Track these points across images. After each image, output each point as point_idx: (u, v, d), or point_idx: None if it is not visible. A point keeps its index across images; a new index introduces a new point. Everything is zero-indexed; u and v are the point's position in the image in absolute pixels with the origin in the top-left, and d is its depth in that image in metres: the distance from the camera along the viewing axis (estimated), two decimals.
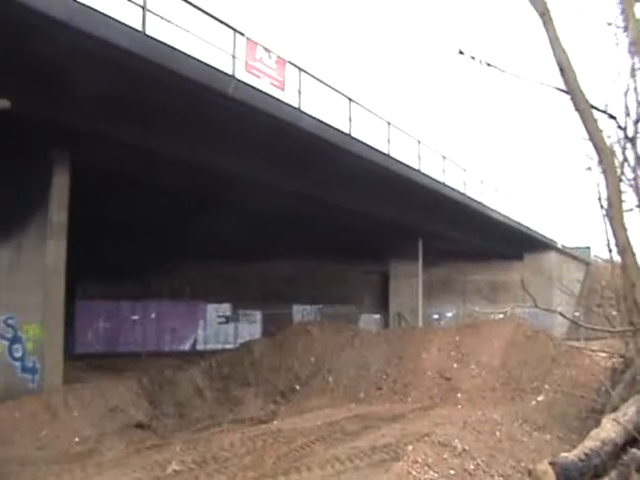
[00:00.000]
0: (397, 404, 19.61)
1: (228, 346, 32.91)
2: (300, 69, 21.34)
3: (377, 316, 40.75)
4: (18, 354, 17.81)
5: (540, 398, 18.54)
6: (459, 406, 18.86)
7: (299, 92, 21.14)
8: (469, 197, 35.11)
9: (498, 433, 13.15)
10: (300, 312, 39.01)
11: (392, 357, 22.17)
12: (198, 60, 16.87)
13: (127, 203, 25.27)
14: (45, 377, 17.44)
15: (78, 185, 18.03)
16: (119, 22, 14.76)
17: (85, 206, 19.28)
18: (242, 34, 18.81)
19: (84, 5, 13.88)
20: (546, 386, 19.45)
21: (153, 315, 33.58)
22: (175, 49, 16.17)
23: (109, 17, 14.48)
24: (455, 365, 21.21)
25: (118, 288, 33.20)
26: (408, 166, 28.09)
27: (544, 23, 12.50)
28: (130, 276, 32.59)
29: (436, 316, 42.80)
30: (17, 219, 17.77)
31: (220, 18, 17.97)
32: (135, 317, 33.04)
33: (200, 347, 34.62)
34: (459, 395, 19.84)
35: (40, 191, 17.48)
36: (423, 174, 29.56)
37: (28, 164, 17.62)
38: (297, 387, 22.54)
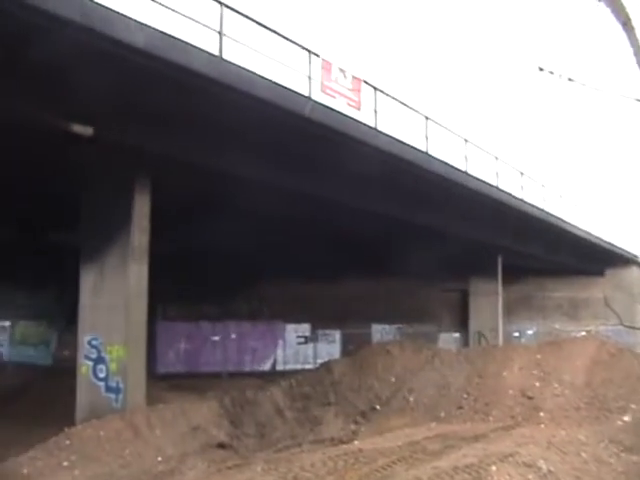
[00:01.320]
0: (478, 423, 19.30)
1: (308, 366, 32.89)
2: (376, 88, 21.37)
3: (457, 335, 40.31)
4: (102, 374, 18.12)
5: (626, 418, 18.05)
6: (542, 426, 18.45)
7: (375, 111, 21.16)
8: (549, 213, 34.60)
9: (584, 454, 12.85)
10: (379, 331, 38.81)
11: (473, 376, 21.87)
12: (274, 82, 17.03)
13: (206, 226, 25.54)
14: (128, 397, 17.68)
15: (159, 208, 18.33)
16: (196, 47, 15.02)
17: (165, 229, 19.56)
18: (317, 55, 18.94)
19: (163, 33, 14.16)
20: (632, 405, 18.95)
21: (233, 336, 33.81)
22: (252, 72, 16.35)
23: (186, 43, 14.74)
24: (537, 384, 20.82)
25: (198, 309, 33.56)
26: (487, 183, 27.85)
27: (627, 32, 12.26)
28: (210, 297, 32.91)
29: (516, 334, 42.09)
30: (100, 243, 18.15)
31: (295, 40, 18.14)
32: (215, 338, 33.31)
33: (280, 367, 34.64)
34: (542, 414, 19.44)
35: (122, 215, 17.82)
36: (502, 191, 29.27)
37: (110, 188, 18.01)
38: (377, 407, 22.40)
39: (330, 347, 36.44)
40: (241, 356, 34.01)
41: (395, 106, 22.40)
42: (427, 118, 24.09)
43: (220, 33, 15.83)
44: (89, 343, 18.29)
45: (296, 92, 17.87)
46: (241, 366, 33.53)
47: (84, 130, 14.96)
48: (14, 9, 11.79)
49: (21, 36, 12.50)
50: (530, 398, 20.26)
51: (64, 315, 34.71)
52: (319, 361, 31.98)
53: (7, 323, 39.31)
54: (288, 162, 20.08)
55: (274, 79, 17.06)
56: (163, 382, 25.92)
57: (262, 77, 16.64)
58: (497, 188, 28.87)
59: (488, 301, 36.89)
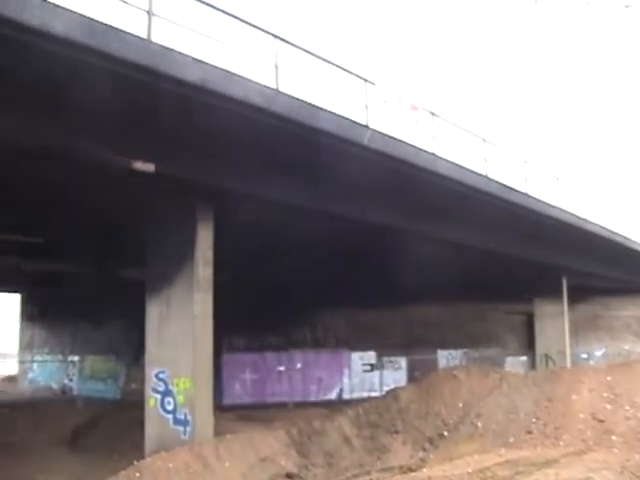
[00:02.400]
0: (549, 448, 18.94)
1: (374, 394, 32.78)
2: (433, 114, 21.37)
3: (523, 358, 39.76)
4: (170, 407, 18.25)
5: None
6: (615, 450, 18.05)
7: (433, 137, 21.16)
8: (612, 231, 34.07)
9: None
10: (445, 357, 38.54)
11: (541, 400, 21.49)
12: (332, 112, 17.14)
13: (270, 256, 25.76)
14: (196, 429, 17.77)
15: (222, 240, 18.52)
16: (253, 81, 15.21)
17: (228, 260, 19.74)
18: (373, 83, 19.04)
19: (221, 68, 14.39)
20: None
21: (299, 365, 33.89)
22: (309, 103, 16.49)
23: (243, 77, 14.95)
24: (608, 406, 20.35)
25: (263, 339, 33.75)
26: (548, 204, 27.56)
27: None
28: (274, 327, 33.09)
29: (585, 355, 41.31)
30: (165, 276, 18.36)
31: (352, 70, 18.27)
32: (281, 368, 33.43)
33: (346, 396, 34.58)
34: (614, 438, 18.98)
35: (186, 248, 17.99)
36: (565, 211, 28.94)
37: (173, 222, 18.24)
38: (445, 433, 22.16)
39: (396, 374, 36.28)
40: (307, 386, 34.05)
41: (451, 129, 22.36)
42: (484, 140, 24.00)
43: (276, 67, 16.01)
44: (156, 376, 18.47)
45: (355, 121, 17.94)
46: (307, 396, 33.55)
47: (146, 167, 15.24)
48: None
49: (93, 81, 12.85)
50: (601, 421, 19.82)
51: (131, 349, 35.27)
52: (385, 389, 31.86)
53: (76, 358, 40.03)
54: (346, 191, 20.14)
55: (331, 108, 17.16)
56: (230, 413, 26.04)
57: (319, 107, 16.75)
58: (560, 209, 28.54)
59: (554, 323, 36.37)
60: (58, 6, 11.66)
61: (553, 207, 28.00)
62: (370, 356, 36.57)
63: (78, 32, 11.94)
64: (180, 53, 13.60)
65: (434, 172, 20.65)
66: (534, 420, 20.65)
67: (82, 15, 12.06)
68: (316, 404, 31.37)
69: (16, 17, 11.15)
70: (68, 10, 11.83)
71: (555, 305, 36.23)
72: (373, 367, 36.60)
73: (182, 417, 17.97)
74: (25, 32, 11.32)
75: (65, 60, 12.10)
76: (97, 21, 12.26)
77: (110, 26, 12.44)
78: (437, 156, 20.93)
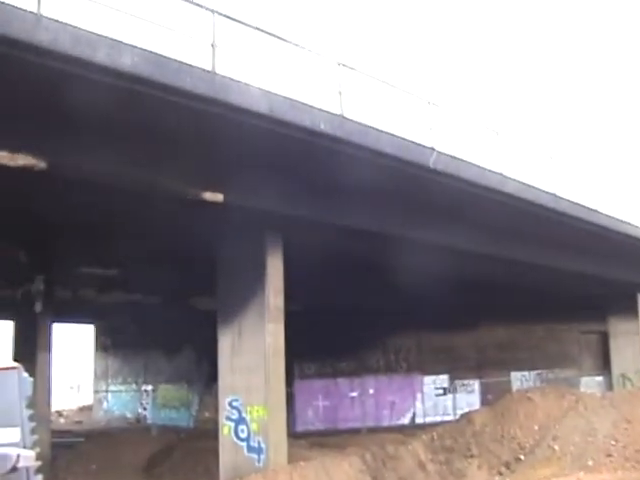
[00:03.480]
0: (630, 472, 18.50)
1: (447, 418, 32.46)
2: (497, 132, 21.24)
3: (599, 378, 38.92)
4: (243, 434, 18.30)
5: None
6: None
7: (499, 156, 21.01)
8: None
9: None
10: (519, 379, 37.94)
11: (620, 421, 21.02)
12: (397, 136, 17.15)
13: (339, 282, 25.77)
14: (270, 456, 17.77)
15: (291, 267, 18.61)
16: (318, 108, 15.32)
17: (298, 287, 19.79)
18: (435, 104, 19.01)
19: (286, 97, 14.53)
20: None
21: (371, 390, 33.76)
22: (374, 128, 16.53)
23: (308, 104, 15.07)
24: None
25: (334, 365, 33.72)
26: (621, 220, 27.09)
27: None
28: (345, 353, 33.04)
29: None
30: (236, 305, 18.49)
31: (414, 92, 18.30)
32: (353, 393, 33.34)
33: (419, 420, 34.32)
34: None
35: (256, 276, 18.10)
36: (636, 227, 28.39)
37: (244, 250, 18.40)
38: (522, 457, 21.80)
39: (469, 397, 35.89)
40: (379, 411, 33.88)
41: (518, 147, 22.19)
42: (552, 157, 23.75)
43: (340, 93, 16.10)
44: (230, 404, 18.57)
45: (419, 144, 17.92)
46: (380, 421, 33.39)
47: (215, 197, 15.46)
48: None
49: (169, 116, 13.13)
50: None
51: (203, 377, 35.56)
52: (459, 412, 31.56)
53: (149, 387, 40.45)
54: (414, 214, 20.10)
55: (394, 131, 17.18)
56: (303, 440, 26.02)
57: (385, 132, 16.78)
58: (629, 224, 28.02)
59: (630, 341, 35.54)
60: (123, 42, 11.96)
61: (623, 223, 27.50)
62: (442, 379, 36.26)
63: (147, 67, 12.20)
64: (246, 84, 13.78)
65: (502, 192, 20.47)
66: (613, 442, 20.20)
67: (150, 50, 12.34)
68: (389, 429, 31.20)
69: (86, 57, 11.46)
70: (135, 46, 12.11)
71: (630, 323, 35.40)
72: (446, 391, 36.27)
73: (256, 445, 18.00)
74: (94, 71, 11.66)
75: (146, 98, 12.43)
76: (165, 56, 12.53)
77: (179, 61, 12.69)
78: (505, 176, 20.76)
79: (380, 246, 21.56)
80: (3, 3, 10.50)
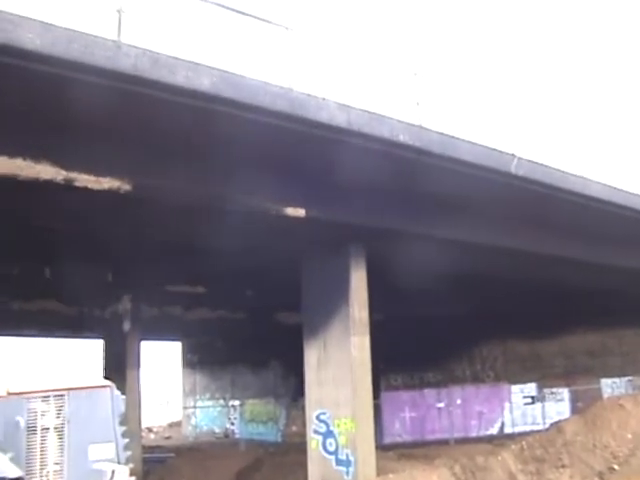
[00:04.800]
0: None
1: (536, 427, 31.86)
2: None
3: None
4: (332, 448, 18.34)
5: None
6: None
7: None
8: None
9: None
10: (609, 386, 36.96)
11: None
12: (475, 143, 17.04)
13: (422, 292, 25.64)
14: (358, 469, 17.76)
15: (375, 278, 18.61)
16: (395, 119, 15.33)
17: (382, 299, 19.79)
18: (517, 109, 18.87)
19: (364, 110, 14.59)
20: None
21: (458, 401, 33.40)
22: (453, 137, 16.45)
23: (385, 116, 15.09)
24: None
25: (420, 376, 33.53)
26: None
27: None
28: (431, 363, 32.83)
29: None
30: (321, 318, 18.57)
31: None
32: (440, 404, 33.02)
33: (508, 430, 33.74)
34: None
35: (340, 289, 18.19)
36: None
37: (327, 263, 18.51)
38: (615, 466, 21.31)
39: (558, 406, 35.13)
40: (467, 421, 33.46)
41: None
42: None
43: (418, 103, 16.08)
44: (317, 418, 18.63)
45: (499, 150, 17.75)
46: (468, 431, 32.97)
47: (297, 212, 15.61)
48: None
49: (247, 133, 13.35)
50: None
51: (290, 391, 35.72)
52: (548, 421, 31.01)
53: (237, 402, 40.83)
54: (490, 220, 19.92)
55: (473, 139, 17.07)
56: (391, 452, 25.91)
57: (464, 140, 16.70)
58: None
59: None
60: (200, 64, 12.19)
61: None
62: (530, 388, 35.60)
63: (225, 87, 12.40)
64: (323, 98, 13.87)
65: (586, 195, 20.14)
66: None
67: (227, 71, 12.54)
68: (478, 439, 30.80)
69: (165, 80, 11.72)
70: (213, 67, 12.33)
71: None
72: (534, 399, 35.61)
73: (344, 458, 18.02)
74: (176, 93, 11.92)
75: (224, 117, 12.65)
76: (242, 75, 12.71)
77: (256, 79, 12.87)
78: (587, 179, 20.41)
79: (462, 254, 21.40)
80: (85, 33, 10.80)
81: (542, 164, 18.99)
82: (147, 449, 29.26)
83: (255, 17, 13.39)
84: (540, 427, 30.71)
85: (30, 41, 10.26)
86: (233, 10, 12.98)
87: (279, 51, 13.72)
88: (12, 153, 12.17)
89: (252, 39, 13.33)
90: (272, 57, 13.66)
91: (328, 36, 14.90)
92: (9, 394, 7.61)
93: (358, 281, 18.24)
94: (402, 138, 15.14)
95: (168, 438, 43.37)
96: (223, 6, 12.82)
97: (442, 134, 16.17)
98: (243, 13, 13.18)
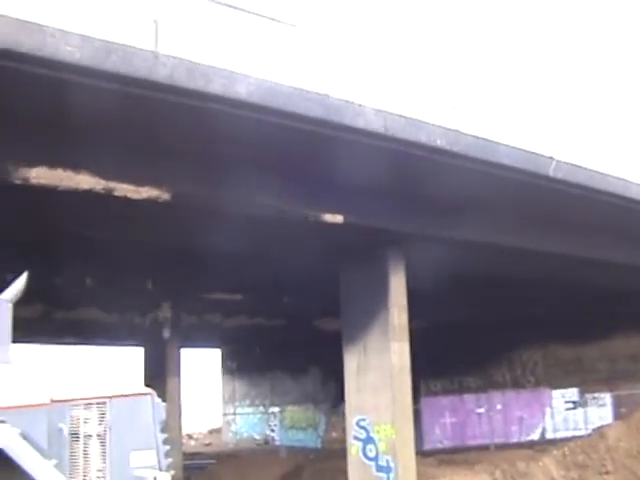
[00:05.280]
0: None
1: (578, 433, 31.53)
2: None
3: None
4: (372, 454, 18.30)
5: None
6: None
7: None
8: None
9: None
10: None
11: None
12: (514, 147, 16.95)
13: (462, 297, 25.55)
14: (399, 475, 17.69)
15: (413, 283, 18.58)
16: (432, 124, 15.30)
17: (421, 303, 19.73)
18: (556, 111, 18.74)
19: (400, 115, 14.59)
20: None
21: (498, 406, 33.15)
22: (491, 140, 16.39)
23: (422, 121, 15.08)
24: None
25: (460, 382, 33.36)
26: None
27: None
28: (470, 368, 32.65)
29: None
30: (361, 325, 18.56)
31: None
32: (480, 410, 32.81)
33: (549, 435, 33.42)
34: None
35: (379, 295, 18.16)
36: None
37: (365, 269, 18.51)
38: None
39: (601, 411, 34.68)
40: (508, 426, 33.19)
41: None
42: None
43: (453, 108, 16.05)
44: (357, 424, 18.60)
45: (538, 153, 17.64)
46: (509, 437, 32.71)
47: (335, 218, 15.66)
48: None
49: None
50: None
51: (329, 398, 35.71)
52: (590, 426, 30.71)
53: (277, 409, 40.92)
54: (528, 223, 19.79)
55: (511, 142, 16.98)
56: (431, 458, 25.81)
57: (502, 144, 16.62)
58: None
59: None
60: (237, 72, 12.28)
61: None
62: (572, 393, 35.21)
63: (261, 94, 12.48)
64: (360, 104, 13.89)
65: (626, 198, 19.94)
66: None
67: (263, 78, 12.62)
68: (518, 445, 30.55)
69: (202, 89, 11.83)
70: (249, 75, 12.41)
71: None
72: (576, 404, 35.23)
73: (384, 464, 17.97)
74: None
75: (261, 125, 12.77)
76: (279, 83, 12.78)
77: (292, 86, 12.93)
78: (628, 181, 20.19)
79: (499, 258, 21.30)
80: (124, 44, 10.94)
81: (581, 166, 18.82)
82: (188, 456, 29.41)
83: (281, 22, 13.45)
84: (582, 433, 30.39)
85: (70, 54, 10.41)
86: (254, 13, 13.05)
87: (312, 56, 13.77)
88: (52, 164, 12.35)
89: (283, 46, 13.39)
90: (305, 62, 13.71)
91: (356, 39, 14.92)
92: (52, 401, 7.70)
93: (397, 286, 18.22)
94: (439, 143, 15.11)
95: (208, 445, 43.58)
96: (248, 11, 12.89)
97: (479, 138, 16.11)
98: (268, 17, 13.24)
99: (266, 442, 40.99)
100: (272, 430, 41.48)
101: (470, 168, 16.02)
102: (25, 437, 7.07)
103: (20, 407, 7.47)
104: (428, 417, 31.71)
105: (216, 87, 11.89)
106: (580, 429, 32.93)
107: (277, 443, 39.40)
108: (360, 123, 13.79)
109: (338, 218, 15.76)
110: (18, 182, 12.25)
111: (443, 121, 15.63)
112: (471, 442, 31.82)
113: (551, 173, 17.67)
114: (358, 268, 18.68)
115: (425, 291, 21.84)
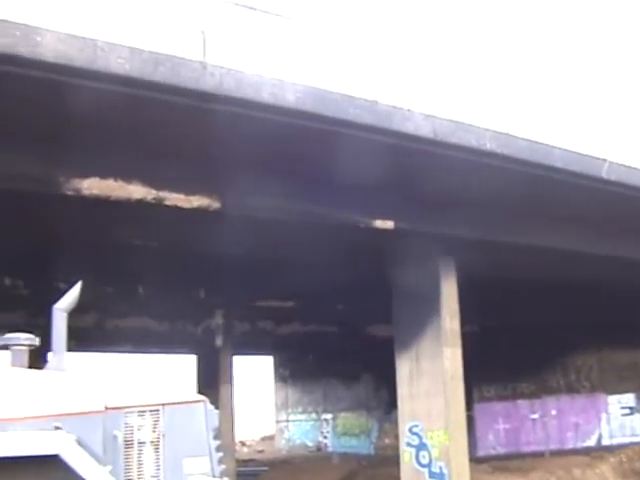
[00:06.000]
0: None
1: (636, 439, 31.07)
2: None
3: None
4: (425, 460, 18.20)
5: None
6: None
7: None
8: None
9: None
10: None
11: None
12: (566, 149, 16.78)
13: (513, 301, 25.33)
14: None
15: (465, 288, 18.48)
16: (483, 128, 15.21)
17: (472, 308, 19.61)
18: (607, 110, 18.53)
19: (450, 120, 14.54)
20: None
21: (553, 412, 32.78)
22: (543, 143, 16.24)
23: (472, 125, 15.00)
24: None
25: (513, 387, 33.04)
26: None
27: None
28: (523, 374, 32.32)
29: None
30: (413, 331, 18.50)
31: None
32: (534, 415, 32.49)
33: (605, 442, 32.95)
34: None
35: (431, 301, 18.12)
36: None
37: (416, 276, 18.46)
38: None
39: None
40: (563, 433, 32.80)
41: None
42: None
43: (505, 110, 15.94)
44: (410, 430, 18.52)
45: (590, 155, 17.43)
46: (564, 443, 32.32)
47: (385, 224, 15.68)
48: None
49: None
50: None
51: (381, 404, 35.63)
52: None
53: (329, 416, 40.92)
54: (583, 226, 19.55)
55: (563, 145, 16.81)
56: (484, 464, 25.60)
57: (555, 146, 16.46)
58: None
59: None
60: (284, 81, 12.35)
61: None
62: (628, 398, 34.68)
63: (310, 102, 12.53)
64: (409, 110, 13.87)
65: None
66: None
67: (311, 86, 12.66)
68: (574, 451, 30.17)
69: (251, 97, 11.91)
70: (297, 83, 12.47)
71: None
72: (633, 410, 34.67)
73: (438, 471, 17.87)
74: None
75: (310, 132, 12.85)
76: (327, 90, 12.82)
77: (341, 93, 12.96)
78: None
79: (552, 262, 21.08)
80: (172, 55, 11.08)
81: (636, 168, 18.55)
82: (241, 463, 29.54)
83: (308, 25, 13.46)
84: (639, 439, 29.94)
85: (120, 66, 10.58)
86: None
87: (361, 60, 13.79)
88: (104, 174, 12.56)
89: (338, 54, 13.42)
90: (356, 68, 13.72)
91: (397, 41, 14.88)
92: (107, 409, 7.78)
93: (448, 291, 18.15)
94: (489, 146, 15.01)
95: (261, 452, 43.69)
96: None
97: (531, 141, 15.97)
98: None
99: (318, 449, 41.00)
100: (324, 437, 41.47)
101: (521, 171, 15.90)
102: (80, 444, 7.15)
103: (75, 414, 7.56)
104: (481, 423, 31.52)
105: (265, 96, 11.97)
106: (637, 435, 32.44)
107: (329, 450, 39.41)
108: (409, 128, 13.77)
109: (388, 224, 15.78)
110: (70, 193, 12.47)
111: (492, 124, 15.54)
112: (525, 448, 31.53)
113: (605, 175, 17.46)
114: (409, 274, 18.64)
115: (479, 296, 21.72)
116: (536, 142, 16.08)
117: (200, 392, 9.76)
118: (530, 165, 15.82)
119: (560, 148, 16.56)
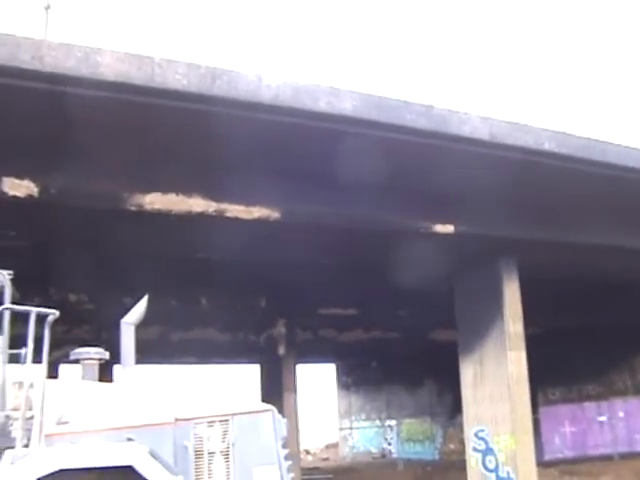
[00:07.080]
0: None
1: None
2: None
3: None
4: (491, 465, 18.09)
5: None
6: None
7: None
8: None
9: None
10: None
11: None
12: (620, 145, 16.56)
13: (578, 303, 25.03)
14: None
15: (527, 290, 18.33)
16: (540, 128, 15.11)
17: (535, 310, 19.42)
18: None
19: (507, 121, 14.48)
20: None
21: (621, 414, 32.21)
22: (599, 141, 16.07)
23: (527, 125, 14.91)
24: None
25: (579, 389, 32.58)
26: None
27: None
28: (589, 376, 31.86)
29: None
30: (476, 335, 18.43)
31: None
32: (601, 418, 31.97)
33: None
34: None
35: (494, 304, 18.02)
36: None
37: (479, 278, 18.40)
38: None
39: None
40: (632, 435, 32.17)
41: None
42: None
43: (559, 111, 15.85)
44: (476, 435, 18.43)
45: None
46: (633, 446, 31.69)
47: (446, 228, 15.65)
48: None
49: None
50: None
51: (445, 410, 35.45)
52: None
53: (393, 422, 40.85)
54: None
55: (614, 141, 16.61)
56: (551, 468, 25.34)
57: (609, 143, 16.27)
58: None
59: None
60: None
61: None
62: None
63: (367, 109, 12.59)
64: (465, 113, 13.84)
65: None
66: None
67: (366, 93, 12.73)
68: None
69: (308, 107, 12.01)
70: (353, 91, 12.54)
71: None
72: None
73: (505, 475, 17.74)
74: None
75: (367, 138, 12.83)
76: (382, 96, 12.87)
77: (397, 99, 13.00)
78: None
79: (614, 260, 20.79)
80: (228, 69, 11.25)
81: None
82: (305, 471, 29.61)
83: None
84: None
85: (178, 81, 10.76)
86: None
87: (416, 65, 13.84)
88: (165, 189, 12.76)
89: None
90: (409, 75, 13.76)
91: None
92: (177, 420, 7.91)
93: (511, 294, 18.01)
94: (547, 146, 14.89)
95: (326, 459, 43.75)
96: None
97: (588, 139, 15.81)
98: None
99: (383, 455, 40.96)
100: (389, 443, 41.42)
101: (577, 170, 15.74)
102: (152, 454, 7.29)
103: (147, 426, 7.71)
104: (547, 427, 31.14)
105: (322, 105, 12.05)
106: None
107: (394, 456, 39.33)
108: (466, 131, 13.74)
109: (449, 228, 15.75)
110: (133, 209, 12.69)
111: (548, 124, 15.44)
112: (593, 452, 31.04)
113: None
114: (472, 278, 18.58)
115: (542, 298, 21.51)
116: (595, 140, 15.92)
117: (264, 401, 9.84)
118: (587, 163, 15.63)
119: (614, 144, 16.36)
